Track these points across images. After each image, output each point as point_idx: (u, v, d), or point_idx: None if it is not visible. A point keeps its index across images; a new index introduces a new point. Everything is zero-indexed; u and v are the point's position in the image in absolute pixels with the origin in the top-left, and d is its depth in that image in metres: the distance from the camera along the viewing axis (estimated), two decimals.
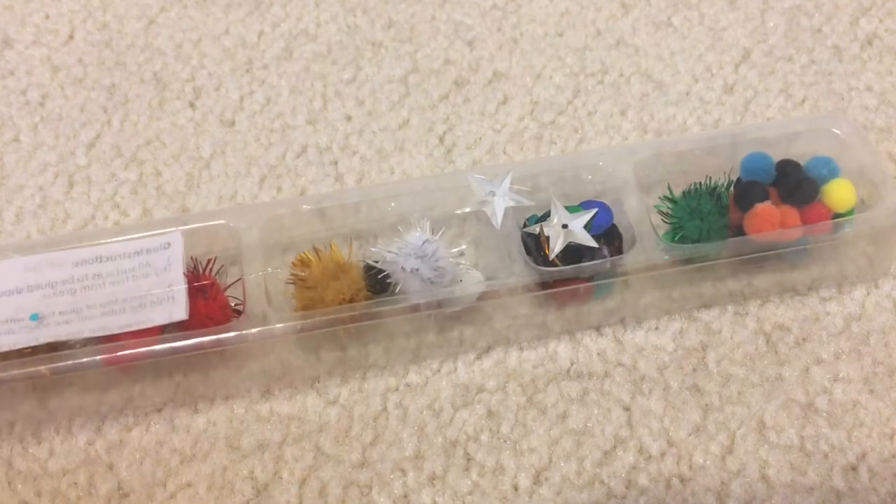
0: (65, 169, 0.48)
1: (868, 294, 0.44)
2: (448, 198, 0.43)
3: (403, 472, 0.40)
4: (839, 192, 0.42)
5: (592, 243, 0.41)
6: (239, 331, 0.39)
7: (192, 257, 0.41)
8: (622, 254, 0.41)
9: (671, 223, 0.42)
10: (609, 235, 0.42)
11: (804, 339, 0.43)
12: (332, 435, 0.41)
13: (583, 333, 0.43)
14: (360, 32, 0.53)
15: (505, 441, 0.41)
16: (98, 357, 0.38)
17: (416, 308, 0.40)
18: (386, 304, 0.40)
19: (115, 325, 0.39)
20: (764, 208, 0.41)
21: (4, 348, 0.38)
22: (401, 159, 0.49)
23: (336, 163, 0.48)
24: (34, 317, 0.39)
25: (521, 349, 0.43)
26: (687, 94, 0.50)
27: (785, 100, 0.50)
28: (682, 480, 0.40)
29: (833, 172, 0.42)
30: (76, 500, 0.40)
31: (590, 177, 0.44)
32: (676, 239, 0.41)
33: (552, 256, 0.41)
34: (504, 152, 0.49)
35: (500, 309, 0.42)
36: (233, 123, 0.50)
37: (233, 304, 0.41)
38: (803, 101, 0.50)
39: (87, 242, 0.41)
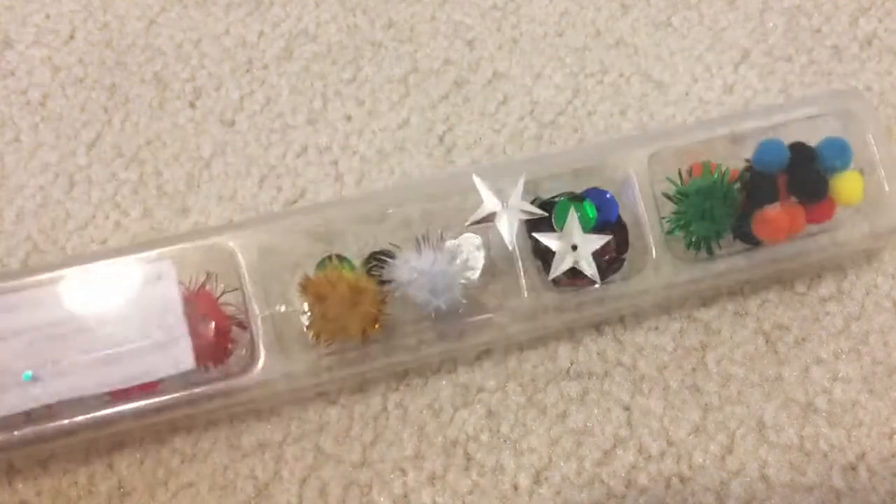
0: (65, 169, 0.48)
1: (868, 294, 0.44)
2: (452, 203, 0.42)
3: (403, 471, 0.40)
4: (848, 187, 0.41)
5: (596, 278, 0.39)
6: (250, 385, 0.38)
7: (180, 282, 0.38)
8: (627, 244, 0.41)
9: (678, 215, 0.41)
10: (614, 228, 0.41)
11: (804, 339, 0.43)
12: (332, 435, 0.41)
13: (583, 333, 0.43)
14: (360, 32, 0.53)
15: (505, 441, 0.41)
16: (100, 413, 0.36)
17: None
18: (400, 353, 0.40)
19: (117, 377, 0.36)
20: (773, 215, 0.40)
21: (2, 412, 0.34)
22: (401, 159, 0.49)
23: (336, 162, 0.48)
24: (27, 376, 0.35)
25: (521, 349, 0.43)
26: (686, 95, 0.51)
27: (785, 100, 0.50)
28: (682, 480, 0.40)
29: (845, 163, 0.41)
30: (77, 499, 0.40)
31: (595, 165, 0.43)
32: (689, 246, 0.41)
33: (551, 277, 0.39)
34: (504, 152, 0.49)
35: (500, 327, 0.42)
36: (233, 123, 0.50)
37: (232, 318, 0.39)
38: (803, 101, 0.50)
39: (62, 270, 0.37)
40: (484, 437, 0.41)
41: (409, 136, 0.49)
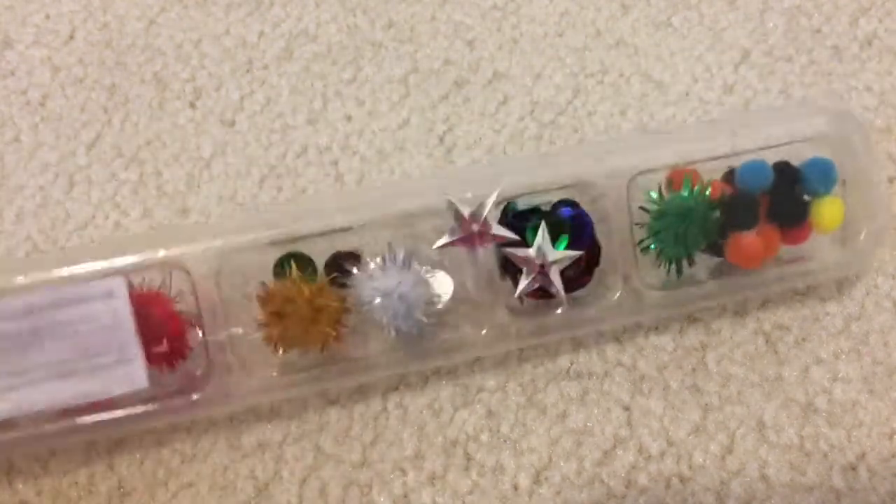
0: (65, 169, 0.48)
1: (868, 294, 0.44)
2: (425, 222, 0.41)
3: (403, 471, 0.40)
4: (828, 213, 0.40)
5: (562, 298, 0.38)
6: (211, 402, 0.38)
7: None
8: (598, 264, 0.40)
9: (652, 231, 0.40)
10: (586, 242, 0.40)
11: (804, 339, 0.43)
12: (332, 435, 0.41)
13: (582, 333, 0.43)
14: (360, 32, 0.53)
15: (505, 441, 0.41)
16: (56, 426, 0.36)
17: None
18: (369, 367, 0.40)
19: (69, 393, 0.35)
20: (747, 242, 0.40)
21: None
22: (401, 159, 0.49)
23: (336, 163, 0.49)
24: None
25: (521, 349, 0.43)
26: (687, 95, 0.51)
27: (785, 100, 0.50)
28: (682, 480, 0.40)
29: (829, 188, 0.40)
30: (77, 499, 0.40)
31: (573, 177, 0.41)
32: (660, 266, 0.40)
33: (518, 294, 0.38)
34: (504, 152, 0.49)
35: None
36: (233, 123, 0.50)
37: (187, 319, 0.38)
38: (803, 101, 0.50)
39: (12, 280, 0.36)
40: (484, 437, 0.41)
41: (409, 137, 0.49)
